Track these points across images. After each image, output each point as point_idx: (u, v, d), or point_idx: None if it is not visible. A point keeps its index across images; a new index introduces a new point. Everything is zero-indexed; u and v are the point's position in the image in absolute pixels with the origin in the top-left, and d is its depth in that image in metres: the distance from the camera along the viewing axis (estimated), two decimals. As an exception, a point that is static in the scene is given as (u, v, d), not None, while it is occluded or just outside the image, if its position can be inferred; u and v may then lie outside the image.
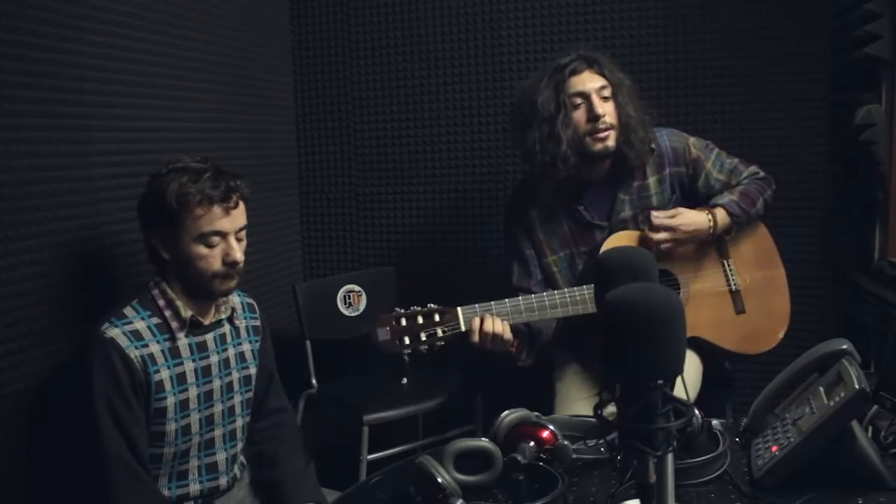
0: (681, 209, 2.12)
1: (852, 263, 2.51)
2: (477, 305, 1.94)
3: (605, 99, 2.12)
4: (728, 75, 2.72)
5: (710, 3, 2.71)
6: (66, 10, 1.88)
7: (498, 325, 1.92)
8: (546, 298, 1.98)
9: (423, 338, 1.86)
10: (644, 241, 2.10)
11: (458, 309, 1.91)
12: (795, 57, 2.66)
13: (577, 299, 1.98)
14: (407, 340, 1.86)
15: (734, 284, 2.18)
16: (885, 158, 2.30)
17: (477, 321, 1.91)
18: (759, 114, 2.71)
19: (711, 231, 2.11)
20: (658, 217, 2.09)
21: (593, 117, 2.09)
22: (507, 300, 1.96)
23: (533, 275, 2.22)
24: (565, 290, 2.00)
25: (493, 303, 1.94)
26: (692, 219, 2.11)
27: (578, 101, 2.11)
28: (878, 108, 2.29)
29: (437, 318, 1.88)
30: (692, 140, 2.23)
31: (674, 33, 2.75)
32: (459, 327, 1.90)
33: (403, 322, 1.86)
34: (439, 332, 1.87)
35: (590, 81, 2.11)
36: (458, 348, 1.95)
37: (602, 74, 2.13)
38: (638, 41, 2.77)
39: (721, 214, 2.13)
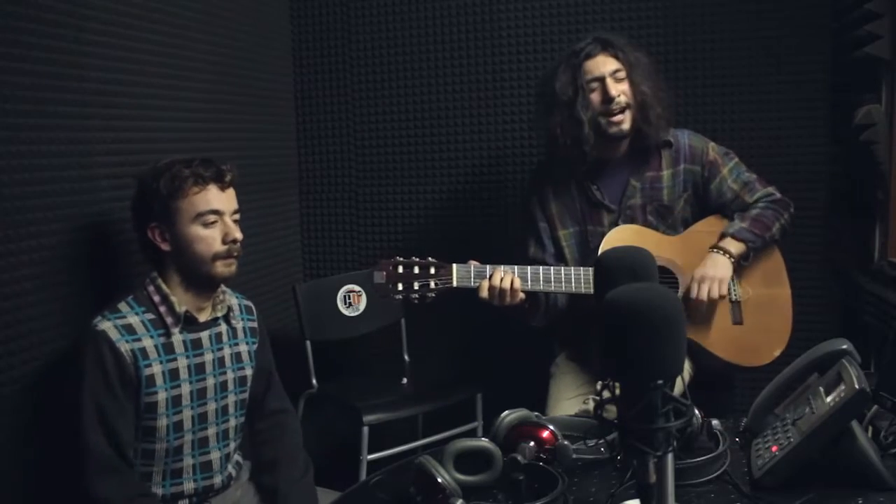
0: (698, 271, 2.10)
1: (852, 263, 2.50)
2: (472, 266, 2.03)
3: (618, 80, 2.16)
4: (728, 75, 2.72)
5: (709, 4, 2.71)
6: (66, 10, 1.88)
7: (507, 281, 2.00)
8: (541, 271, 2.03)
9: (416, 287, 1.99)
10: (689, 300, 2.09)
11: (454, 265, 2.02)
12: (795, 57, 2.66)
13: (575, 278, 2.02)
14: (400, 287, 1.99)
15: (734, 294, 2.18)
16: (885, 158, 2.30)
17: (486, 280, 2.00)
18: (759, 114, 2.71)
19: (732, 261, 2.12)
20: (698, 292, 2.08)
21: (607, 99, 2.14)
22: (502, 266, 2.02)
23: (546, 248, 2.27)
24: (570, 268, 2.05)
25: (487, 266, 2.03)
26: (710, 262, 2.11)
27: (594, 84, 2.17)
28: (878, 108, 2.29)
29: (432, 270, 2.00)
30: (712, 144, 2.26)
31: (674, 33, 2.75)
32: (451, 282, 2.01)
33: (400, 269, 1.99)
34: (431, 284, 1.99)
35: (603, 65, 2.16)
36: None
37: (615, 56, 2.16)
38: (638, 41, 2.76)
39: (730, 244, 2.13)
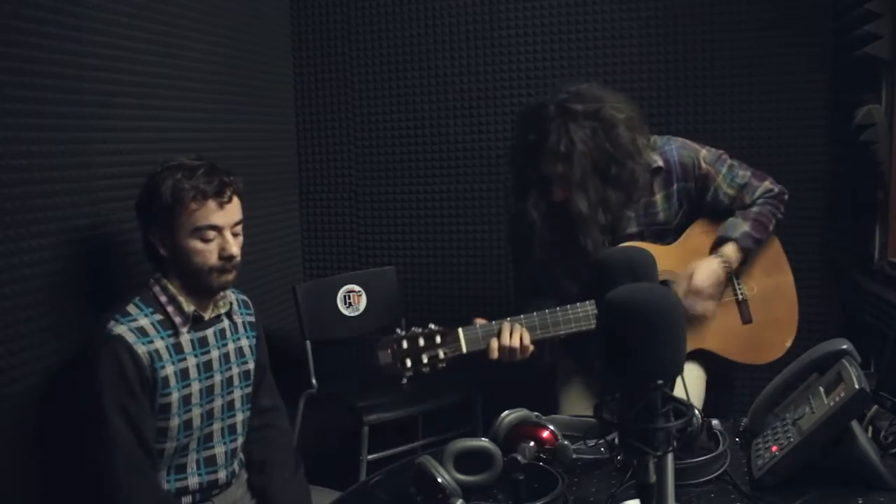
0: (692, 268, 2.05)
1: (852, 263, 2.50)
2: (478, 327, 1.90)
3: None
4: (728, 76, 2.72)
5: (710, 4, 2.71)
6: (66, 10, 1.88)
7: (516, 339, 1.88)
8: (548, 316, 1.93)
9: (425, 360, 1.82)
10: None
11: (459, 330, 1.87)
12: (795, 57, 2.66)
13: (583, 315, 1.93)
14: (409, 363, 1.82)
15: (741, 294, 2.16)
16: (885, 158, 2.29)
17: (495, 340, 1.88)
18: (759, 114, 2.71)
19: (729, 270, 2.09)
20: (683, 293, 2.02)
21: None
22: (507, 319, 1.91)
23: (538, 286, 2.16)
24: (577, 306, 1.95)
25: (493, 322, 1.91)
26: (707, 272, 2.05)
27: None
28: (878, 108, 2.29)
29: (438, 339, 1.84)
30: (703, 153, 2.15)
31: (674, 34, 2.75)
32: (461, 349, 1.86)
33: (405, 345, 1.82)
34: (440, 354, 1.84)
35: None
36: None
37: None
38: (638, 42, 2.77)
39: (731, 251, 2.09)
